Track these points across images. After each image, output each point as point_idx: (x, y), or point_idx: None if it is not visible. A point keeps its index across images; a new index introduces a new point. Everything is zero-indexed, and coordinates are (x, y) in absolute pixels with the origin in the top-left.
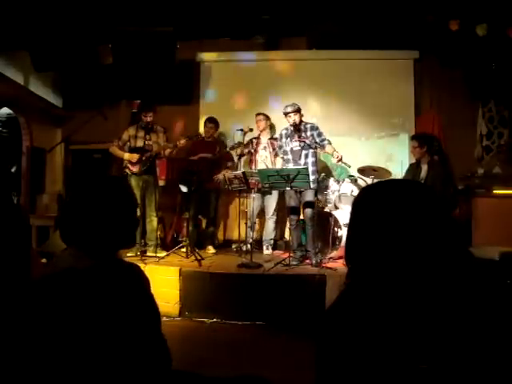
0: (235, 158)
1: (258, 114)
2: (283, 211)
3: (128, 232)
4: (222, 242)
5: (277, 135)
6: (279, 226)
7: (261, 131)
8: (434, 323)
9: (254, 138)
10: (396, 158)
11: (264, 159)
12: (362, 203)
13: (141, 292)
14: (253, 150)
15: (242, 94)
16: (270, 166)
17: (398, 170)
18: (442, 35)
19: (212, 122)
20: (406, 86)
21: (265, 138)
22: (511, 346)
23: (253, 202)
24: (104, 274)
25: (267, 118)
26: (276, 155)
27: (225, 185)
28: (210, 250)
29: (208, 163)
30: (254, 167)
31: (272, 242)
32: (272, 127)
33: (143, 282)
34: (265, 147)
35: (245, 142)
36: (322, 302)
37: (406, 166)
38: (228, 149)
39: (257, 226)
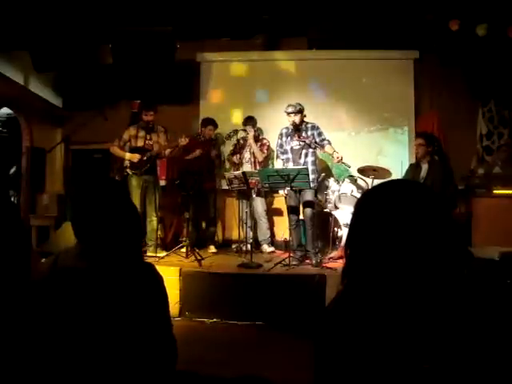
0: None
1: (247, 124)
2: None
3: (132, 231)
4: (222, 241)
5: (275, 134)
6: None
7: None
8: (433, 323)
9: (242, 138)
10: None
11: (247, 161)
12: (364, 204)
13: (153, 291)
14: (237, 152)
15: (242, 93)
16: (250, 168)
17: (398, 170)
18: (442, 35)
19: (211, 124)
20: (406, 86)
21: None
22: (511, 346)
23: (240, 203)
24: (108, 274)
25: (255, 124)
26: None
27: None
28: (212, 249)
29: (205, 162)
30: (241, 169)
31: (270, 239)
32: (259, 130)
33: (157, 281)
34: (249, 149)
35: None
36: (322, 302)
37: (405, 165)
38: (224, 138)
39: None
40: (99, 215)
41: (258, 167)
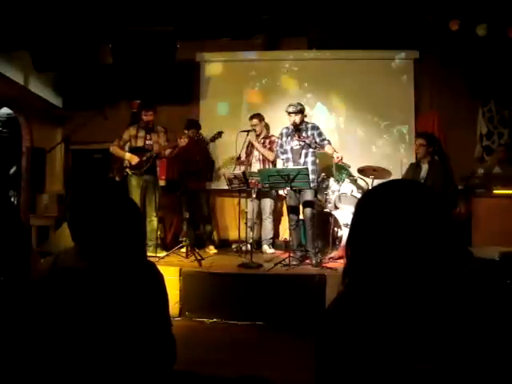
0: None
1: (252, 118)
2: (280, 212)
3: (135, 232)
4: (222, 242)
5: (275, 133)
6: (276, 225)
7: (258, 135)
8: (433, 323)
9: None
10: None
11: (257, 160)
12: (365, 204)
13: (153, 290)
14: (249, 152)
15: (242, 93)
16: (260, 166)
17: (398, 169)
18: (442, 35)
19: (194, 126)
20: (406, 86)
21: (254, 142)
22: (511, 346)
23: (252, 202)
24: (107, 273)
25: (261, 119)
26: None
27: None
28: (212, 249)
29: (190, 164)
30: (249, 168)
31: (271, 240)
32: (266, 126)
33: (157, 280)
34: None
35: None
36: (322, 302)
37: (405, 165)
38: (209, 140)
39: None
40: (96, 217)
41: (265, 165)
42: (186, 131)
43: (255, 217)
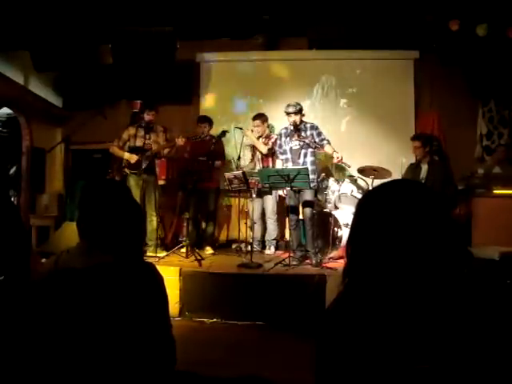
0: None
1: (255, 119)
2: (281, 212)
3: (135, 232)
4: (221, 242)
5: (275, 134)
6: (279, 226)
7: (260, 136)
8: (433, 323)
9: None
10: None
11: (258, 159)
12: (366, 203)
13: (153, 291)
14: (254, 152)
15: (242, 93)
16: (259, 165)
17: (398, 169)
18: (442, 35)
19: (206, 121)
20: (406, 87)
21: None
22: (511, 346)
23: (253, 202)
24: (108, 274)
25: (264, 120)
26: (272, 152)
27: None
28: (209, 250)
29: (206, 162)
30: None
31: (274, 242)
32: (269, 126)
33: (157, 281)
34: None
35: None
36: (322, 302)
37: (405, 165)
38: (216, 138)
39: (257, 227)
40: (107, 215)
41: (265, 164)
42: (199, 125)
43: (258, 217)
